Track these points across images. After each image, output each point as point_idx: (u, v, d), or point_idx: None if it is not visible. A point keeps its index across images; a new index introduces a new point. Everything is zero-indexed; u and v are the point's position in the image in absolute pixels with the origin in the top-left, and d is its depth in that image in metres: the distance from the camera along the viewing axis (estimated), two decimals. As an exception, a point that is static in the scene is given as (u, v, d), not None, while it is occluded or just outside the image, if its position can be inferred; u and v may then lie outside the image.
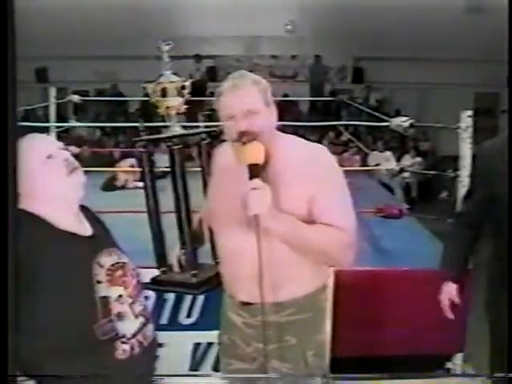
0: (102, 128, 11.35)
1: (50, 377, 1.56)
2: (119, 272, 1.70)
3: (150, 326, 1.77)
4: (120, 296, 1.66)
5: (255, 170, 1.81)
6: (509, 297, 1.98)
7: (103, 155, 8.85)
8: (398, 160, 9.83)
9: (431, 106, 12.06)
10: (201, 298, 3.01)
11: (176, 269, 2.23)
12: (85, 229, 1.73)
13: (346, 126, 10.24)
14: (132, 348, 1.66)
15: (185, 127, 2.25)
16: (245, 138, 1.84)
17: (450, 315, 2.52)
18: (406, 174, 9.46)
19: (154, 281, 2.25)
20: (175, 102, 2.17)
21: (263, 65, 13.20)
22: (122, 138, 10.75)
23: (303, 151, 1.95)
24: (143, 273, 1.94)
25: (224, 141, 2.05)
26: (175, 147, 2.13)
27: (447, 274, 2.55)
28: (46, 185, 1.64)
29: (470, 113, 3.39)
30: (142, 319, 1.72)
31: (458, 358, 3.30)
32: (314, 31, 12.44)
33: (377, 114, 6.30)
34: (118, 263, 1.71)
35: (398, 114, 10.06)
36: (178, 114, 2.19)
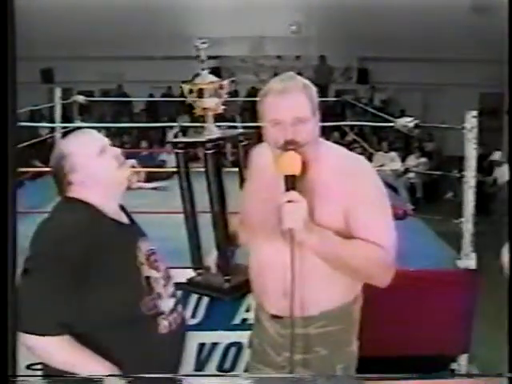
0: (106, 128, 11.36)
1: (51, 377, 1.68)
2: (153, 257, 1.86)
3: (181, 307, 1.94)
4: (157, 278, 1.83)
5: (291, 182, 1.73)
6: (509, 297, 1.96)
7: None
8: (403, 160, 9.82)
9: (436, 106, 12.05)
10: (206, 298, 3.00)
11: (213, 271, 2.20)
12: (123, 218, 1.89)
13: (351, 127, 10.21)
14: (170, 324, 1.82)
15: (219, 127, 2.19)
16: (290, 146, 1.75)
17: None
18: (411, 175, 9.45)
19: (190, 282, 2.25)
20: (212, 103, 2.11)
21: (268, 65, 13.19)
22: (127, 138, 10.76)
23: (343, 162, 1.86)
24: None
25: (261, 141, 1.97)
26: (210, 151, 2.07)
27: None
28: (98, 176, 1.80)
29: (475, 113, 3.38)
30: (174, 299, 1.88)
31: (463, 359, 3.29)
32: (318, 32, 12.44)
33: (382, 114, 6.28)
34: (151, 249, 1.88)
35: (402, 114, 10.02)
36: (215, 115, 2.13)
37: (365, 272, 1.82)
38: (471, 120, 3.37)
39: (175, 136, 2.15)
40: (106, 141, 1.86)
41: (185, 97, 2.14)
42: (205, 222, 2.24)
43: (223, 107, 2.15)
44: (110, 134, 11.37)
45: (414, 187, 10.09)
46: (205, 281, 2.23)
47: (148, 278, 1.79)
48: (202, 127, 2.15)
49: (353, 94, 12.76)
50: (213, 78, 2.13)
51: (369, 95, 13.43)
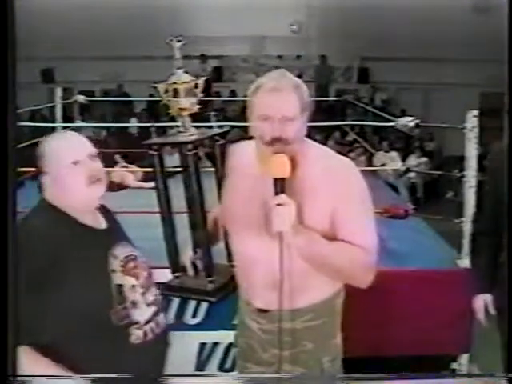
0: (107, 128, 11.37)
1: (50, 377, 1.60)
2: (131, 264, 1.80)
3: (162, 315, 1.86)
4: (133, 286, 1.76)
5: (281, 185, 1.74)
6: (509, 297, 1.96)
7: (108, 155, 8.87)
8: (404, 160, 9.81)
9: (437, 106, 12.03)
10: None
11: (190, 272, 2.18)
12: (100, 223, 1.83)
13: (352, 126, 10.22)
14: (145, 334, 1.75)
15: (197, 127, 2.18)
16: (277, 144, 1.77)
17: (484, 322, 2.51)
18: (412, 174, 9.45)
19: (168, 286, 2.19)
20: (188, 103, 2.09)
21: (269, 65, 13.18)
22: (127, 138, 10.76)
23: (329, 163, 1.87)
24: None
25: (238, 140, 2.00)
26: (190, 152, 2.06)
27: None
28: (65, 189, 1.74)
29: (475, 113, 3.38)
30: (154, 308, 1.80)
31: (464, 359, 3.29)
32: (319, 31, 12.44)
33: (382, 114, 6.29)
34: (130, 255, 1.81)
35: (403, 114, 10.01)
36: (190, 114, 2.11)
37: (347, 273, 1.85)
38: (472, 120, 3.37)
39: (146, 136, 2.13)
40: (86, 152, 1.79)
41: (161, 97, 2.12)
42: (180, 223, 2.23)
43: (198, 107, 2.13)
44: (110, 133, 11.42)
45: (415, 187, 10.09)
46: (183, 283, 2.18)
47: (120, 286, 1.73)
48: (179, 127, 2.14)
49: (353, 94, 12.74)
50: (188, 77, 2.09)
51: (369, 95, 13.42)
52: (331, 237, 1.81)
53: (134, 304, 1.74)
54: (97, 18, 10.46)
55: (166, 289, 2.18)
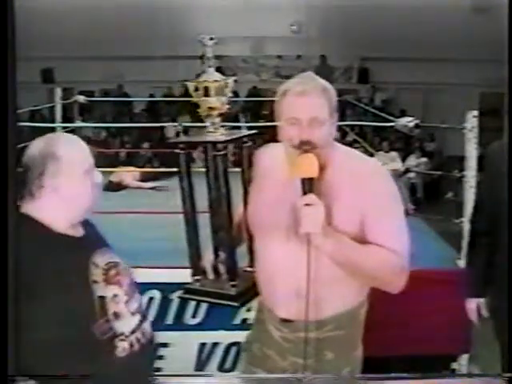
0: (107, 128, 11.37)
1: (51, 377, 1.57)
2: (113, 271, 1.70)
3: (147, 323, 1.77)
4: (115, 295, 1.67)
5: (309, 184, 1.70)
6: (508, 297, 1.96)
7: (108, 155, 8.87)
8: (404, 160, 9.82)
9: (437, 106, 12.04)
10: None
11: (210, 276, 2.12)
12: (76, 230, 1.71)
13: (352, 127, 10.20)
14: (131, 345, 1.67)
15: (226, 128, 2.12)
16: (305, 147, 1.73)
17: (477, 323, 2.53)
18: (412, 175, 9.46)
19: (189, 290, 2.15)
20: (218, 102, 2.03)
21: (269, 65, 13.20)
22: (128, 138, 10.76)
23: (358, 165, 1.85)
24: (142, 273, 1.91)
25: (266, 142, 1.97)
26: (220, 152, 2.00)
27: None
28: (71, 192, 1.64)
29: (475, 113, 3.38)
30: (138, 316, 1.72)
31: (464, 359, 3.29)
32: (319, 32, 12.43)
33: (382, 114, 6.29)
34: (110, 262, 1.71)
35: (403, 114, 10.00)
36: (219, 114, 2.05)
37: (379, 277, 1.81)
38: (472, 120, 3.38)
39: (177, 135, 2.08)
40: (90, 161, 1.69)
41: (189, 95, 2.07)
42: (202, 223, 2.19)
43: (227, 106, 2.08)
44: (110, 134, 11.43)
45: (415, 187, 10.08)
46: (204, 287, 2.12)
47: (102, 297, 1.63)
48: (206, 127, 2.08)
49: (353, 94, 12.73)
50: (218, 75, 2.05)
51: (369, 95, 13.42)
52: (361, 240, 1.77)
53: (117, 315, 1.65)
54: (97, 18, 10.45)
55: (186, 292, 2.15)
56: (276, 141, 1.92)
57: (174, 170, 2.13)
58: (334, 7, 10.55)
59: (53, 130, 6.30)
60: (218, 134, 2.05)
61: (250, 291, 2.07)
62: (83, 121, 9.54)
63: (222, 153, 2.00)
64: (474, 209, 2.61)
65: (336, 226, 1.74)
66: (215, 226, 2.14)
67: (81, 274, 1.62)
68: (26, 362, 1.50)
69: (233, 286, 2.06)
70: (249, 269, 2.13)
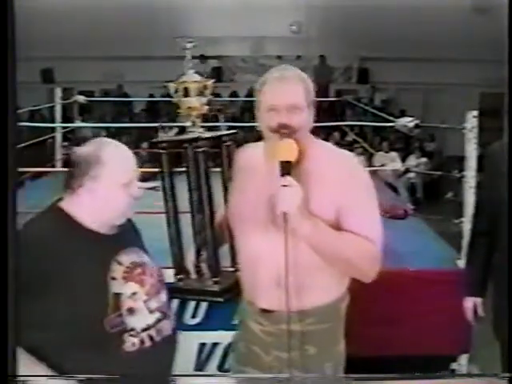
0: (107, 128, 11.37)
1: (51, 377, 1.60)
2: (138, 270, 1.76)
3: (167, 322, 1.81)
4: (135, 293, 1.72)
5: (287, 168, 1.76)
6: (509, 297, 1.97)
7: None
8: (404, 160, 9.83)
9: (436, 106, 12.05)
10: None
11: (193, 275, 2.16)
12: (108, 229, 1.77)
13: (352, 127, 10.22)
14: (142, 342, 1.71)
15: (205, 128, 2.19)
16: (283, 131, 1.80)
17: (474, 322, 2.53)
18: (412, 175, 9.46)
19: (172, 289, 2.12)
20: (197, 103, 2.11)
21: (268, 65, 13.15)
22: (127, 138, 10.75)
23: (334, 156, 1.91)
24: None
25: (246, 142, 2.02)
26: (199, 150, 2.06)
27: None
28: (106, 200, 1.71)
29: (475, 113, 3.38)
30: (158, 315, 1.77)
31: (464, 359, 3.29)
32: (319, 32, 12.43)
33: (382, 114, 6.29)
34: (136, 262, 1.77)
35: (403, 114, 10.02)
36: (199, 114, 2.13)
37: (354, 264, 1.84)
38: (471, 120, 3.38)
39: (144, 136, 2.13)
40: (135, 172, 1.77)
41: (171, 96, 2.14)
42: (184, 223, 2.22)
43: (207, 107, 2.16)
44: (110, 134, 11.42)
45: (415, 187, 10.09)
46: (187, 286, 2.17)
47: (118, 294, 1.68)
48: (187, 126, 2.15)
49: (353, 94, 12.76)
50: (198, 77, 2.13)
51: (369, 95, 13.42)
52: (337, 228, 1.82)
53: (132, 311, 1.70)
54: (97, 18, 10.44)
55: (169, 291, 2.16)
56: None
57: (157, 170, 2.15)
58: (333, 7, 10.54)
59: (53, 129, 6.31)
60: (197, 133, 2.11)
61: (233, 288, 2.11)
62: (83, 121, 9.56)
63: (202, 149, 2.06)
64: (474, 209, 2.62)
65: (313, 212, 1.79)
66: (197, 226, 2.17)
67: (100, 270, 1.68)
68: (39, 348, 1.59)
69: (216, 282, 2.11)
70: (231, 268, 2.18)
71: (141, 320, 1.72)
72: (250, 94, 12.54)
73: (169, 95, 2.17)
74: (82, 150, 1.72)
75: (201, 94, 2.12)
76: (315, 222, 1.77)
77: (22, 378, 1.39)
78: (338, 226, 1.82)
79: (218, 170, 2.23)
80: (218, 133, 2.26)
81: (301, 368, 1.90)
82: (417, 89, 12.82)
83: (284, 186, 1.73)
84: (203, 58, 12.81)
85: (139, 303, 1.72)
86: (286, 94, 1.83)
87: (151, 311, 1.75)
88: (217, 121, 2.27)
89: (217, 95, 12.54)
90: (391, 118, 4.55)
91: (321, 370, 1.92)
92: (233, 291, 2.12)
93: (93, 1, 10.14)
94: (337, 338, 1.99)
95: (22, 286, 1.46)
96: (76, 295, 1.63)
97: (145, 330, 1.72)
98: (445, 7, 9.85)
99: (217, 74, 13.13)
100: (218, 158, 2.25)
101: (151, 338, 1.73)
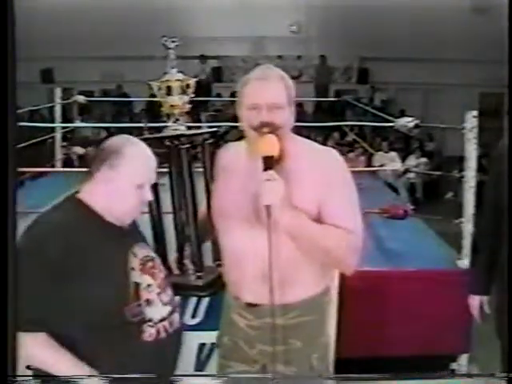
0: (107, 128, 11.36)
1: (51, 377, 1.64)
2: (150, 264, 1.84)
3: (177, 315, 1.89)
4: (149, 285, 1.79)
5: (269, 162, 1.81)
6: (509, 297, 1.97)
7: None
8: (403, 160, 9.81)
9: (436, 106, 12.04)
10: (206, 299, 3.00)
11: (175, 271, 2.20)
12: (122, 222, 1.83)
13: (351, 127, 10.21)
14: (158, 332, 1.78)
15: (189, 127, 2.22)
16: (265, 129, 1.84)
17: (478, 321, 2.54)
18: (411, 175, 9.45)
19: None
20: (179, 101, 2.15)
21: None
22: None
23: (315, 153, 1.96)
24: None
25: (227, 141, 2.06)
26: (183, 146, 2.10)
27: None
28: (118, 200, 1.77)
29: (475, 113, 3.38)
30: (169, 308, 1.84)
31: (464, 359, 3.29)
32: (319, 32, 12.44)
33: (382, 114, 6.28)
34: (148, 256, 1.85)
35: (402, 114, 10.01)
36: (181, 112, 2.17)
37: (335, 255, 1.87)
38: (471, 120, 3.38)
39: (142, 134, 2.15)
40: (150, 175, 1.82)
41: (154, 95, 2.17)
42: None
43: (189, 106, 2.19)
44: (110, 134, 11.42)
45: (414, 187, 10.09)
46: (172, 280, 2.14)
47: (137, 284, 1.76)
48: (170, 124, 2.17)
49: (353, 94, 12.75)
50: (180, 76, 2.17)
51: (369, 95, 13.41)
52: (319, 223, 1.86)
53: (149, 302, 1.77)
54: (96, 18, 10.45)
55: None
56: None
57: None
58: (333, 7, 10.56)
59: (52, 129, 6.30)
60: (179, 131, 2.14)
61: (216, 282, 2.16)
62: (83, 121, 9.54)
63: (185, 146, 2.10)
64: (479, 208, 2.61)
65: (295, 206, 1.83)
66: (179, 223, 2.20)
67: (120, 259, 1.76)
68: (65, 333, 1.66)
69: (199, 277, 2.16)
70: (213, 264, 2.22)
71: (156, 311, 1.78)
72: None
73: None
74: (106, 143, 1.80)
75: (183, 92, 2.15)
76: (297, 213, 1.82)
77: (21, 378, 1.39)
78: (319, 221, 1.86)
79: (201, 169, 2.26)
80: (200, 130, 2.31)
81: (286, 361, 1.94)
82: (416, 89, 12.81)
83: (267, 180, 1.78)
84: (203, 57, 12.82)
85: (153, 295, 1.79)
86: (267, 93, 1.87)
87: (164, 304, 1.82)
88: (199, 120, 2.29)
89: (217, 95, 12.57)
90: (391, 118, 4.54)
91: (308, 363, 1.97)
92: (216, 285, 2.17)
93: (93, 1, 10.15)
94: (321, 330, 2.03)
95: (51, 275, 1.58)
96: (101, 283, 1.69)
97: (160, 321, 1.79)
98: (445, 7, 9.86)
99: (217, 74, 13.15)
100: (200, 157, 2.28)
101: (166, 329, 1.80)
